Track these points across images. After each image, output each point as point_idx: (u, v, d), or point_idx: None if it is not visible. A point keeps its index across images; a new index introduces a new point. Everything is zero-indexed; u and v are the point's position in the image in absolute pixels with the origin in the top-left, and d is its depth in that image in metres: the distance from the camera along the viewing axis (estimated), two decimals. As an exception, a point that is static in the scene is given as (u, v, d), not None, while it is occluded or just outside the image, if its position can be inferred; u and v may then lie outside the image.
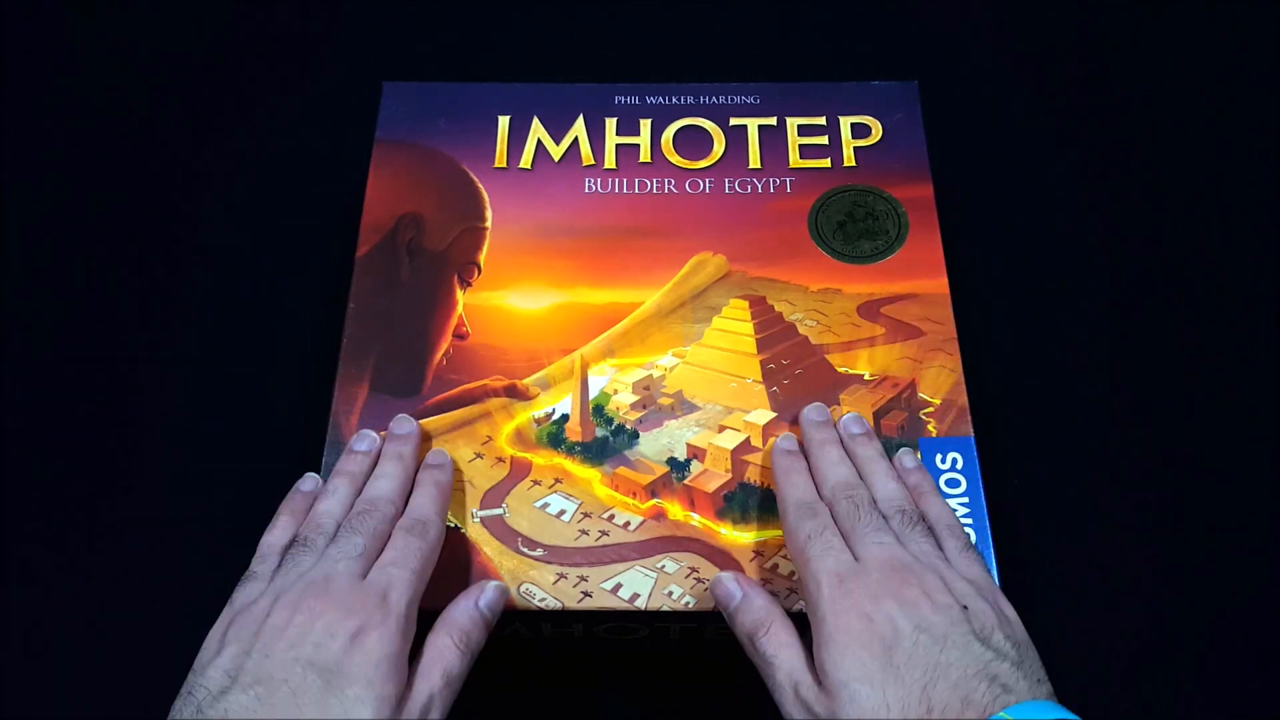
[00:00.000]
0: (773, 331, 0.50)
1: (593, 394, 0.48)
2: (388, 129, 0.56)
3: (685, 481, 0.46)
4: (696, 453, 0.47)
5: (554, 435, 0.47)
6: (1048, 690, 0.35)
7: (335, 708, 0.34)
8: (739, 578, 0.41)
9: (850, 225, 0.53)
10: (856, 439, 0.45)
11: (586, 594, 0.43)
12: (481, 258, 0.52)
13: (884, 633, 0.35)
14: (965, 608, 0.36)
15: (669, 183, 0.54)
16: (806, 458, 0.44)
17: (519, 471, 0.46)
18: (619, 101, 0.57)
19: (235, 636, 0.36)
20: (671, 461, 0.46)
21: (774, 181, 0.54)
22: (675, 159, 0.55)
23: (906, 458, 0.45)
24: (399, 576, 0.38)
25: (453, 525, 0.45)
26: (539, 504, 0.45)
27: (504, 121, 0.56)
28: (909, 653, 0.34)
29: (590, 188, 0.54)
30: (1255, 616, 0.49)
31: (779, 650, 0.38)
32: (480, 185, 0.54)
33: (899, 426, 0.47)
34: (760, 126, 0.56)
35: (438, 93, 0.57)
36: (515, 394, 0.48)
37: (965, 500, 0.45)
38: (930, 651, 0.34)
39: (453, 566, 0.43)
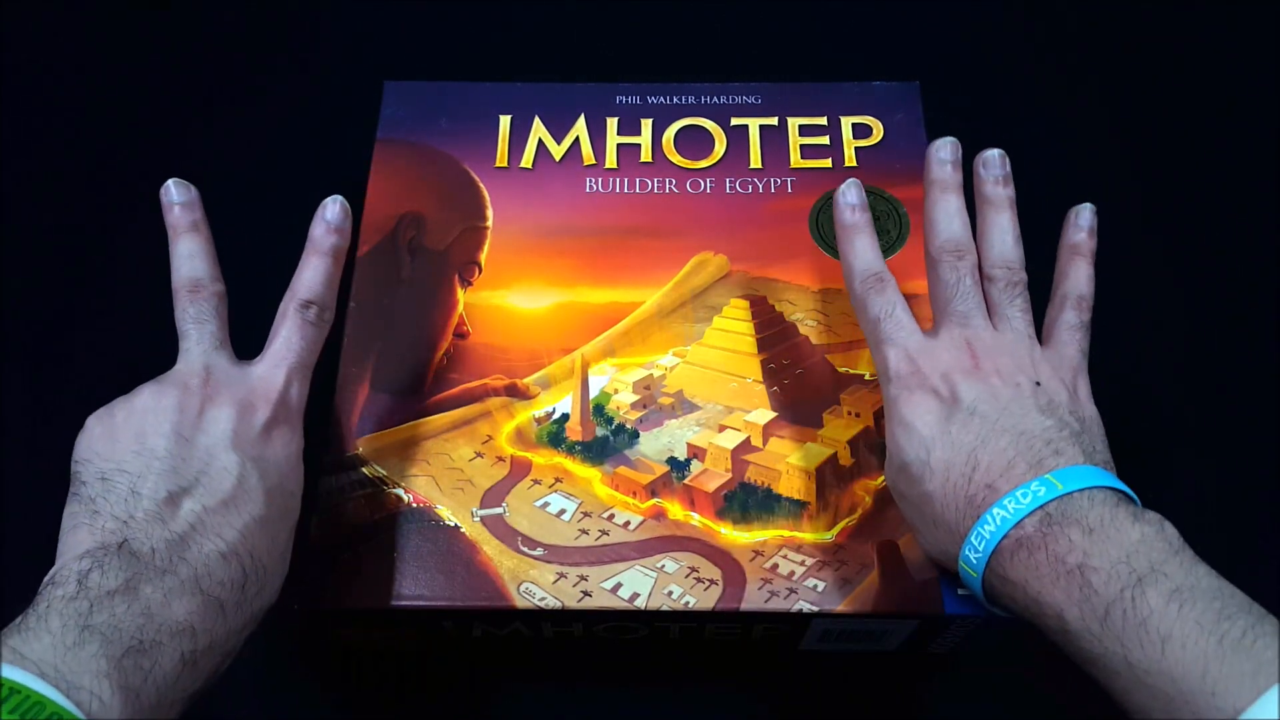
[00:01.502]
0: (773, 331, 0.50)
1: (593, 393, 0.48)
2: (389, 128, 0.56)
3: (685, 481, 0.46)
4: (697, 452, 0.47)
5: (554, 434, 0.47)
6: (1104, 460, 0.36)
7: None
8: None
9: (851, 225, 0.53)
10: (987, 183, 0.43)
11: (586, 593, 0.43)
12: (482, 257, 0.52)
13: (946, 402, 0.37)
14: (1038, 384, 0.37)
15: (670, 182, 0.54)
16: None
17: (519, 470, 0.46)
18: (620, 101, 0.57)
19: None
20: (672, 461, 0.46)
21: (775, 181, 0.54)
22: (676, 159, 0.55)
23: (1084, 214, 0.44)
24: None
25: (453, 524, 0.45)
26: (539, 503, 0.45)
27: (505, 121, 0.56)
28: (964, 421, 0.36)
29: (591, 187, 0.54)
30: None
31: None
32: (481, 184, 0.54)
33: (899, 426, 0.47)
34: (761, 126, 0.56)
35: (439, 92, 0.57)
36: (516, 393, 0.48)
37: (965, 500, 0.45)
38: (986, 420, 0.36)
39: (453, 565, 0.43)
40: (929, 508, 0.37)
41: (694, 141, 0.56)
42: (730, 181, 0.54)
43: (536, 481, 0.46)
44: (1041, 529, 0.33)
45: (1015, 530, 0.34)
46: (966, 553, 0.35)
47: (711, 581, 0.43)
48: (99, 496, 0.35)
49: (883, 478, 0.45)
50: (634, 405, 0.48)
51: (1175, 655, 0.29)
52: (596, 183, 0.54)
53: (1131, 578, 0.31)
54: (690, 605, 0.43)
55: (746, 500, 0.45)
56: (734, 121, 0.56)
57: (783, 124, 0.56)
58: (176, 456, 0.36)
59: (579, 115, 0.56)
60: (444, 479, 0.46)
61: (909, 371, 0.39)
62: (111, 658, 0.30)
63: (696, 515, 0.45)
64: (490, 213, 0.53)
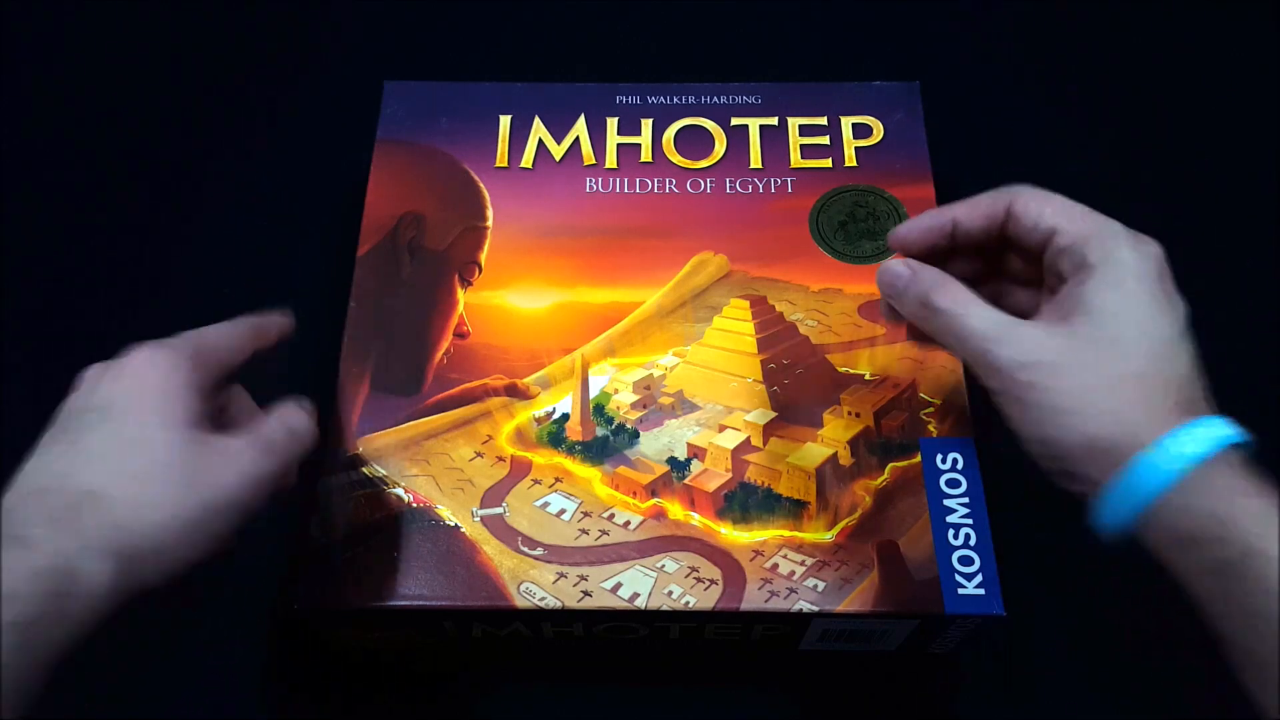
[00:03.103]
0: (773, 331, 0.50)
1: (593, 393, 0.48)
2: (389, 128, 0.56)
3: (685, 481, 0.46)
4: (697, 452, 0.47)
5: (554, 434, 0.47)
6: None
7: None
8: (907, 260, 0.41)
9: (851, 225, 0.53)
10: None
11: (586, 593, 0.43)
12: (482, 257, 0.52)
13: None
14: None
15: (670, 182, 0.54)
16: None
17: (519, 470, 0.46)
18: (620, 101, 0.57)
19: None
20: (672, 461, 0.46)
21: (775, 181, 0.54)
22: (676, 159, 0.55)
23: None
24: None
25: (453, 524, 0.45)
26: (539, 503, 0.45)
27: (505, 121, 0.56)
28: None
29: (591, 187, 0.54)
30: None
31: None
32: (481, 184, 0.54)
33: (900, 427, 0.47)
34: (761, 126, 0.56)
35: (439, 92, 0.57)
36: (516, 393, 0.48)
37: (965, 500, 0.45)
38: None
39: (453, 566, 0.43)
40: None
41: (694, 141, 0.56)
42: (730, 181, 0.54)
43: (536, 481, 0.46)
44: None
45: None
46: (1180, 438, 0.34)
47: (711, 581, 0.43)
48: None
49: (882, 477, 0.45)
50: (634, 405, 0.48)
51: None
52: (596, 183, 0.54)
53: None
54: (690, 605, 0.43)
55: (746, 500, 0.45)
56: (734, 121, 0.56)
57: (783, 124, 0.56)
58: None
59: (579, 115, 0.56)
60: (444, 479, 0.46)
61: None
62: None
63: (696, 515, 0.45)
64: (490, 213, 0.53)
